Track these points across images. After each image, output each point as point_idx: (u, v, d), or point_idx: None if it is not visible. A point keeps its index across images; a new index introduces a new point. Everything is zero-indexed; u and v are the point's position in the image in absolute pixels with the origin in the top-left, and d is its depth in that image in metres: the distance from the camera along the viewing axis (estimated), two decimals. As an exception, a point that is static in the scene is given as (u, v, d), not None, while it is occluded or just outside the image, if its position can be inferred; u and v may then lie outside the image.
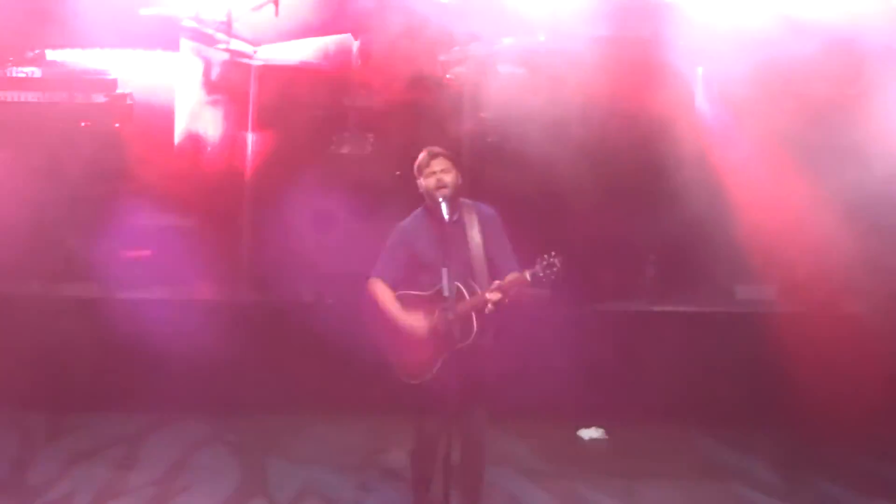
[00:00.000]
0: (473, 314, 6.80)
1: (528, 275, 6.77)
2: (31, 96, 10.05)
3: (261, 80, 10.18)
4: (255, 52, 10.28)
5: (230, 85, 10.26)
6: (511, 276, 6.87)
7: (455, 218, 6.97)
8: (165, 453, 8.63)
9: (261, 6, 10.05)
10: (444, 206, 6.88)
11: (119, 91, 10.17)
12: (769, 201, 9.46)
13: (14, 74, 10.06)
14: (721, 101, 9.94)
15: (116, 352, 9.29)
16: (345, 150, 10.13)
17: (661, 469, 8.59)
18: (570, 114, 9.69)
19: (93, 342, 9.33)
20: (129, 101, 10.16)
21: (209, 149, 10.21)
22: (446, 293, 6.75)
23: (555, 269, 6.71)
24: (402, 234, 7.11)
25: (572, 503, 7.95)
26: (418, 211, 7.14)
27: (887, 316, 9.35)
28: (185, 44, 10.22)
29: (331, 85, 10.23)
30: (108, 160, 9.91)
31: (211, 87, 10.27)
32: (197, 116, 10.22)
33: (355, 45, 10.27)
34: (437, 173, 6.94)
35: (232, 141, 10.22)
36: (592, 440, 9.22)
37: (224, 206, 10.04)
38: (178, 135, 10.18)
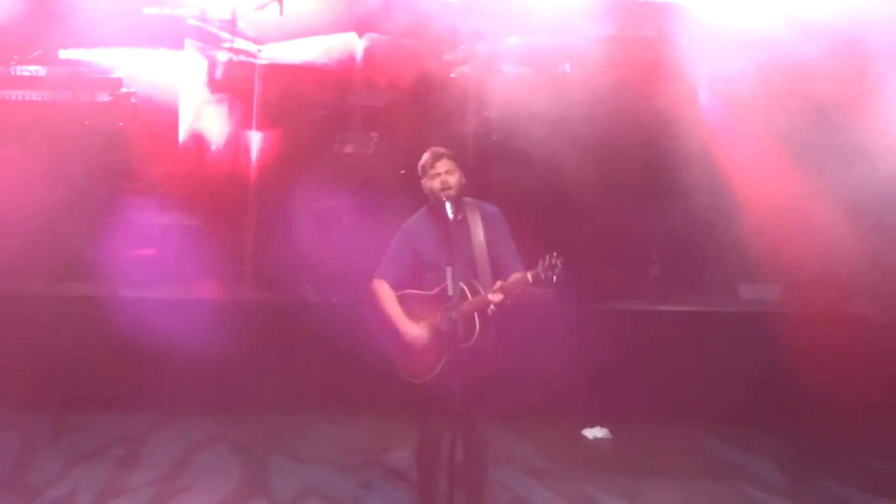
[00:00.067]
0: (476, 314, 6.79)
1: (529, 276, 6.74)
2: (35, 95, 10.07)
3: (265, 79, 10.20)
4: (259, 51, 10.29)
5: (234, 84, 10.28)
6: (513, 277, 6.86)
7: (459, 217, 6.95)
8: (168, 452, 8.61)
9: (264, 5, 10.06)
10: (448, 207, 6.87)
11: (123, 90, 10.18)
12: (773, 201, 9.45)
13: (18, 73, 10.07)
14: (726, 100, 9.93)
15: (120, 351, 9.30)
16: (349, 149, 10.14)
17: (666, 468, 8.58)
18: (575, 113, 9.68)
19: (97, 341, 9.33)
20: (133, 100, 10.18)
21: (213, 148, 10.22)
22: (450, 293, 6.74)
23: (557, 271, 6.68)
24: (405, 234, 7.10)
25: (577, 502, 7.93)
26: (422, 210, 7.13)
27: (892, 315, 9.33)
28: (189, 43, 10.23)
29: (335, 84, 10.23)
30: (112, 159, 9.95)
31: (215, 86, 10.29)
32: (201, 115, 10.23)
33: (359, 44, 10.26)
34: (441, 175, 6.92)
35: (236, 140, 10.23)
36: (597, 439, 9.21)
37: (228, 204, 10.06)
38: (183, 134, 10.19)
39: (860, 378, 9.22)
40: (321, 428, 9.17)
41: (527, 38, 10.15)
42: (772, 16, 9.60)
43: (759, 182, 9.53)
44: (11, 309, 9.42)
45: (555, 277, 6.68)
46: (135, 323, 9.24)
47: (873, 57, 9.64)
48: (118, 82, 10.18)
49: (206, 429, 9.06)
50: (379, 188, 9.72)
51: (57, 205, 9.67)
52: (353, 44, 10.28)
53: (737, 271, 10.00)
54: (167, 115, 10.17)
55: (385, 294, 7.00)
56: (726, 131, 9.88)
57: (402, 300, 7.01)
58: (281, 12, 10.02)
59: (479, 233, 6.91)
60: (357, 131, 10.14)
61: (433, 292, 6.90)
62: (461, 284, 6.77)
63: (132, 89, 10.23)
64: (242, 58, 10.29)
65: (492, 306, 6.73)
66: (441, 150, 7.00)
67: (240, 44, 10.27)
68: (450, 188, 6.87)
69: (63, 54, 10.23)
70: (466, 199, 7.02)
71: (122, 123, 10.07)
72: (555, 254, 6.66)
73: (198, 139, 10.21)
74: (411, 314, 6.96)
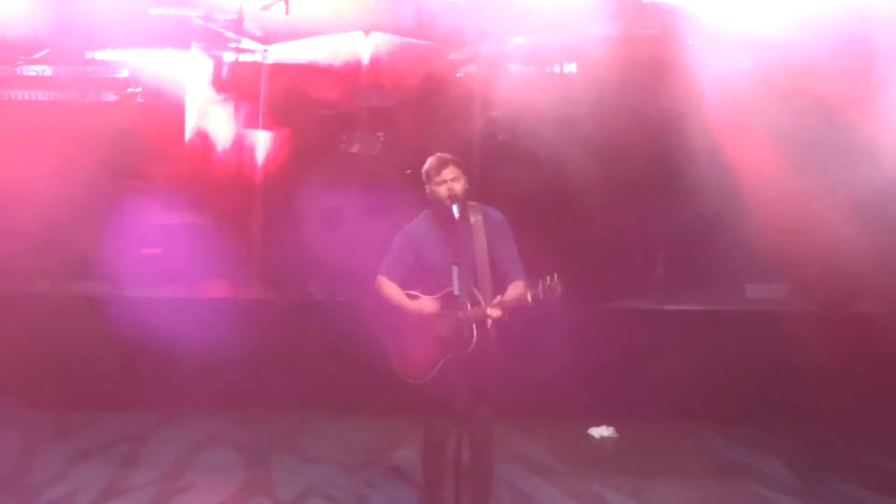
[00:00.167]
0: (474, 325, 6.81)
1: (529, 296, 6.77)
2: (41, 95, 10.08)
3: (271, 79, 10.21)
4: (265, 51, 10.29)
5: (240, 84, 10.28)
6: (512, 293, 6.89)
7: (463, 220, 6.97)
8: (171, 451, 8.62)
9: (270, 5, 10.07)
10: (455, 207, 6.89)
11: (130, 90, 10.19)
12: (779, 200, 9.43)
13: (25, 73, 10.08)
14: (731, 99, 9.92)
15: (126, 350, 9.32)
16: (355, 148, 10.15)
17: (672, 467, 8.57)
18: (580, 112, 9.69)
19: (102, 340, 9.35)
20: (139, 100, 10.19)
21: (220, 147, 10.23)
22: (456, 292, 6.76)
23: (556, 293, 6.72)
24: (407, 236, 7.11)
25: (584, 500, 7.93)
26: (424, 213, 7.13)
27: (899, 314, 9.35)
28: (196, 43, 10.23)
29: (341, 84, 10.24)
30: (119, 159, 9.94)
31: (221, 86, 10.29)
32: (207, 115, 10.24)
33: (366, 43, 10.27)
34: (447, 182, 6.91)
35: (242, 140, 10.24)
36: (603, 438, 9.21)
37: (234, 204, 10.06)
38: (189, 133, 10.20)
39: (867, 377, 9.23)
40: (326, 427, 9.17)
41: (533, 37, 10.15)
42: (777, 15, 9.59)
43: (765, 181, 9.51)
44: (18, 308, 9.43)
45: (554, 299, 6.72)
46: (141, 322, 9.27)
47: (878, 55, 9.63)
48: (125, 82, 10.19)
49: (209, 428, 9.07)
50: (385, 188, 9.72)
51: (63, 205, 9.66)
52: (359, 44, 10.27)
53: (743, 270, 10.00)
54: (174, 115, 10.18)
55: (390, 286, 7.02)
56: (731, 130, 9.87)
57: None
58: (287, 12, 10.03)
59: (481, 238, 6.92)
60: (363, 131, 10.14)
61: (435, 296, 6.93)
62: (457, 292, 6.82)
63: (138, 89, 10.24)
64: (248, 58, 10.30)
65: (490, 320, 6.76)
66: (446, 156, 6.99)
67: (246, 44, 10.28)
68: (456, 195, 6.88)
69: (70, 54, 10.23)
70: (470, 202, 7.02)
71: (128, 123, 10.08)
72: (555, 276, 6.69)
73: (204, 139, 10.22)
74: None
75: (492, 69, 10.08)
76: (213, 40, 10.26)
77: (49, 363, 9.26)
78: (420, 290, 6.99)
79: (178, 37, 10.18)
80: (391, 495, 7.98)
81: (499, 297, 6.81)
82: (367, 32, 10.24)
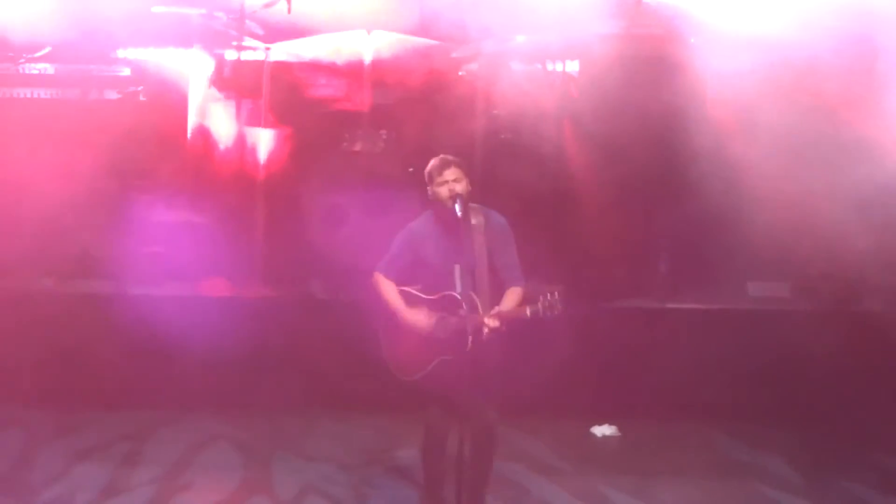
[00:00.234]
0: (470, 330, 6.83)
1: (528, 311, 6.79)
2: (44, 93, 10.07)
3: (273, 77, 10.19)
4: (267, 49, 10.28)
5: (243, 82, 10.26)
6: (511, 301, 6.91)
7: (464, 223, 6.98)
8: (172, 450, 8.62)
9: (273, 3, 10.06)
10: (458, 206, 6.90)
11: (132, 88, 10.18)
12: (782, 198, 9.42)
13: (27, 71, 10.08)
14: (734, 98, 9.91)
15: (128, 348, 9.31)
16: (357, 146, 10.14)
17: (675, 465, 8.57)
18: (583, 111, 9.69)
19: (105, 338, 9.34)
20: (141, 99, 10.18)
21: (222, 146, 10.21)
22: (459, 290, 6.82)
23: (556, 310, 6.73)
24: (408, 235, 7.13)
25: (587, 499, 7.93)
26: (427, 214, 7.15)
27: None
28: (198, 41, 10.22)
29: (343, 82, 10.23)
30: (121, 157, 9.93)
31: (223, 84, 10.27)
32: (210, 114, 10.22)
33: (368, 41, 10.26)
34: (449, 183, 6.95)
35: (245, 138, 10.22)
36: (606, 437, 9.21)
37: (236, 202, 10.05)
38: (191, 132, 10.19)
39: (869, 375, 9.24)
40: (327, 426, 9.17)
41: (535, 35, 10.14)
42: (779, 14, 9.58)
43: (768, 179, 9.50)
44: (21, 306, 9.42)
45: (553, 316, 6.73)
46: (143, 320, 9.27)
47: (881, 54, 9.62)
48: (127, 81, 10.18)
49: (211, 426, 9.06)
50: (387, 186, 9.72)
51: (66, 203, 9.66)
52: (362, 42, 10.26)
53: (745, 269, 9.99)
54: (176, 114, 10.16)
55: (386, 286, 7.05)
56: (734, 129, 9.86)
57: (403, 298, 7.05)
58: (289, 10, 10.02)
59: (482, 240, 6.94)
60: (366, 129, 10.13)
61: (434, 297, 6.94)
62: (457, 295, 6.83)
63: (141, 88, 10.23)
64: (251, 56, 10.28)
65: (486, 329, 6.77)
66: (449, 157, 7.03)
67: (248, 42, 10.26)
68: (457, 195, 6.91)
69: (72, 52, 10.22)
70: (473, 205, 7.03)
71: (130, 121, 10.03)
72: (556, 293, 6.70)
73: (206, 137, 10.20)
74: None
75: (494, 67, 10.07)
76: (215, 38, 10.24)
77: (51, 361, 9.24)
78: (419, 288, 7.02)
79: (180, 35, 10.17)
80: (392, 494, 7.98)
81: (497, 309, 6.82)
82: (369, 30, 10.23)
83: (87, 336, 9.32)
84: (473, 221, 6.95)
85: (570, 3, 9.69)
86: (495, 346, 6.91)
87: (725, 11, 9.74)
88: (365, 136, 10.15)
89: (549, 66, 10.12)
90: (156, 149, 10.01)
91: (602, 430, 9.25)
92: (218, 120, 10.26)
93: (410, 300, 7.04)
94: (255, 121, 10.21)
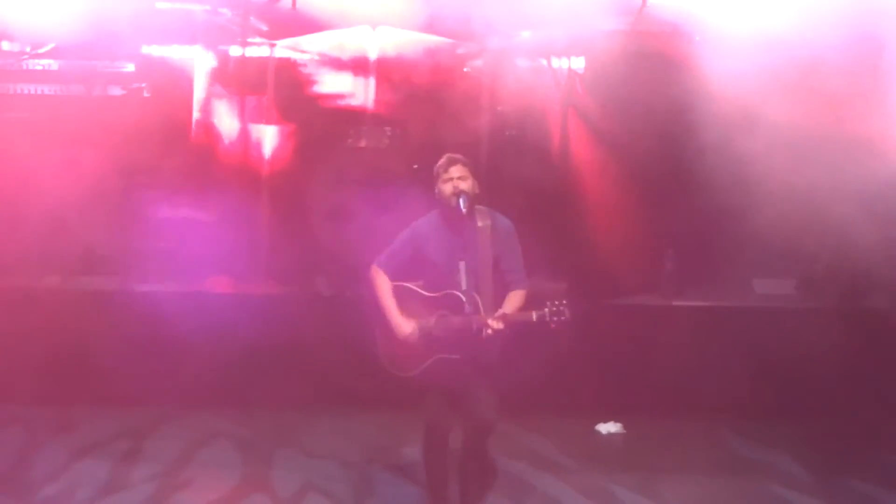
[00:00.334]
0: (470, 331, 6.83)
1: (534, 316, 6.80)
2: (48, 89, 10.07)
3: (278, 73, 10.18)
4: (272, 45, 10.27)
5: (247, 78, 10.26)
6: (515, 304, 6.92)
7: (470, 222, 6.98)
8: (173, 447, 8.62)
9: (278, -1, 10.07)
10: (462, 201, 6.90)
11: (136, 84, 10.18)
12: (787, 195, 9.40)
13: (31, 67, 10.07)
14: (739, 94, 9.89)
15: (132, 345, 9.31)
16: (362, 143, 10.14)
17: (680, 463, 8.57)
18: (588, 107, 9.67)
19: (109, 335, 9.33)
20: (146, 95, 10.17)
21: (226, 142, 10.21)
22: (463, 286, 6.83)
23: (562, 318, 6.73)
24: (412, 232, 7.16)
25: (592, 495, 7.93)
26: (433, 213, 7.17)
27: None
28: (202, 37, 10.21)
29: (348, 78, 10.22)
30: (125, 153, 9.93)
31: (228, 80, 10.27)
32: (214, 110, 10.22)
33: (373, 37, 10.25)
34: (454, 179, 7.00)
35: (249, 134, 10.22)
36: (610, 434, 9.20)
37: (241, 199, 10.04)
38: (196, 128, 10.18)
39: (875, 372, 9.23)
40: (330, 422, 9.17)
41: (541, 32, 10.12)
42: (785, 10, 9.56)
43: (773, 176, 9.48)
44: (25, 302, 9.42)
45: (559, 323, 6.73)
46: (148, 317, 9.29)
47: (886, 50, 9.61)
48: (131, 77, 10.18)
49: (212, 423, 9.07)
50: (392, 182, 9.72)
51: (70, 199, 9.67)
52: (367, 38, 10.25)
53: (751, 266, 10.00)
54: (180, 110, 10.16)
55: (382, 284, 7.07)
56: (739, 126, 9.84)
57: (402, 294, 7.05)
58: (294, 6, 10.02)
59: (486, 242, 6.94)
60: (370, 125, 10.13)
61: (436, 295, 6.94)
62: (459, 294, 6.82)
63: (145, 84, 10.22)
64: (255, 52, 10.27)
65: (489, 330, 6.76)
66: (456, 156, 7.09)
67: (253, 38, 10.25)
68: (461, 191, 6.92)
69: (76, 48, 10.21)
70: (480, 207, 7.04)
71: (134, 118, 10.03)
72: (564, 301, 6.71)
73: (211, 134, 10.20)
74: (410, 312, 6.99)
75: (500, 64, 10.07)
76: (219, 35, 10.24)
77: (55, 358, 9.23)
78: (421, 285, 7.03)
79: (185, 31, 10.16)
80: (393, 492, 7.97)
81: (501, 310, 6.82)
82: (374, 27, 10.22)
83: (91, 333, 9.31)
84: (480, 223, 6.96)
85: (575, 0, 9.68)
86: (495, 346, 6.91)
87: (731, 8, 9.72)
88: (370, 132, 10.15)
89: (555, 63, 10.10)
90: (160, 145, 10.00)
91: (607, 428, 9.25)
92: (222, 116, 10.25)
93: (411, 296, 7.04)
94: (260, 117, 10.21)
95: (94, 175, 9.72)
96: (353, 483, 8.09)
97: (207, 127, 10.22)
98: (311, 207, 9.78)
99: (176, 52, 10.34)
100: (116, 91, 10.19)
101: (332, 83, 10.18)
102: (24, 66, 10.14)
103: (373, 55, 10.22)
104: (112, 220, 9.89)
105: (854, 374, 9.14)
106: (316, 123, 10.10)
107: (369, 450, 8.70)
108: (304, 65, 10.23)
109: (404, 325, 6.98)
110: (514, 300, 6.94)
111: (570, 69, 10.10)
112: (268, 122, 10.17)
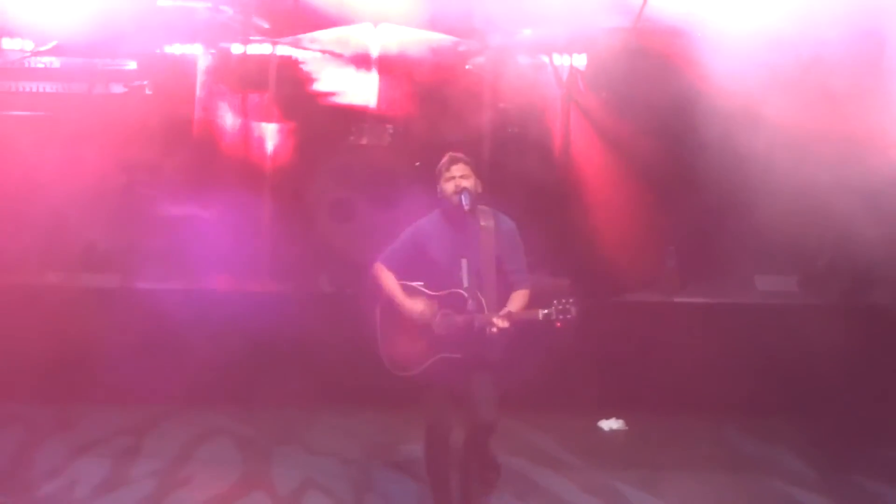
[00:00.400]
0: (474, 329, 6.82)
1: (541, 314, 6.80)
2: (49, 87, 10.07)
3: (279, 70, 10.18)
4: (274, 42, 10.28)
5: (249, 76, 10.26)
6: (519, 303, 6.91)
7: (473, 221, 6.98)
8: (173, 444, 8.62)
9: (280, -4, 10.08)
10: (464, 198, 6.91)
11: (138, 82, 10.18)
12: (789, 192, 9.40)
13: (33, 65, 10.07)
14: (741, 91, 9.89)
15: (134, 342, 9.31)
16: (364, 140, 10.13)
17: (682, 459, 8.57)
18: (590, 104, 9.67)
19: (110, 332, 9.33)
20: (147, 92, 10.18)
21: (228, 140, 10.21)
22: (465, 284, 6.84)
23: (569, 317, 6.73)
24: (414, 230, 7.18)
25: (595, 492, 7.93)
26: (435, 213, 7.17)
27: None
28: (204, 35, 10.22)
29: (350, 75, 10.22)
30: (127, 151, 9.93)
31: (229, 78, 10.27)
32: (216, 107, 10.22)
33: (375, 34, 10.25)
34: (455, 178, 7.02)
35: (251, 132, 10.22)
36: (613, 431, 9.20)
37: (242, 196, 10.04)
38: (197, 126, 10.18)
39: (877, 369, 9.22)
40: (331, 420, 9.16)
41: (542, 29, 10.12)
42: (786, 7, 9.56)
43: (775, 173, 9.49)
44: (26, 300, 9.42)
45: (566, 322, 6.73)
46: (149, 314, 9.28)
47: (888, 47, 9.61)
48: (133, 74, 10.18)
49: (212, 420, 9.06)
50: (394, 180, 9.72)
51: (72, 197, 9.68)
52: (369, 35, 10.25)
53: (753, 262, 9.99)
54: (182, 108, 10.16)
55: (387, 276, 7.07)
56: (741, 123, 9.84)
57: (405, 292, 7.05)
58: (296, 3, 10.02)
59: (489, 242, 6.94)
60: (372, 123, 10.13)
61: (439, 294, 6.94)
62: (462, 293, 6.82)
63: (147, 81, 10.23)
64: (257, 49, 10.27)
65: (494, 329, 6.76)
66: (458, 155, 7.12)
67: (254, 36, 10.25)
68: (463, 188, 6.93)
69: (78, 46, 10.21)
70: (483, 207, 7.04)
71: (136, 115, 10.05)
72: (571, 300, 6.71)
73: (213, 131, 10.20)
74: None
75: (501, 61, 10.07)
76: (221, 32, 10.24)
77: (56, 355, 9.23)
78: (423, 285, 7.03)
79: (186, 29, 10.17)
80: (393, 489, 7.97)
81: (506, 309, 6.82)
82: (376, 24, 10.22)
83: (92, 330, 9.31)
84: (483, 223, 6.97)
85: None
86: (498, 344, 6.90)
87: (732, 5, 9.73)
88: (371, 129, 10.14)
89: (556, 60, 10.11)
90: (162, 143, 10.02)
91: (609, 424, 9.24)
92: (224, 114, 10.25)
93: (414, 295, 7.04)
94: (262, 115, 10.21)
95: (95, 173, 9.73)
96: (353, 480, 8.09)
97: (209, 124, 10.22)
98: (312, 205, 9.78)
99: (178, 50, 10.35)
100: (118, 89, 10.21)
101: (333, 81, 10.18)
102: (26, 64, 10.15)
103: (374, 53, 10.22)
104: (114, 218, 9.89)
105: (857, 371, 9.13)
106: (317, 121, 10.09)
107: (369, 447, 8.71)
108: (306, 62, 10.23)
109: (414, 305, 6.96)
110: (517, 300, 6.94)
111: (571, 66, 10.10)
112: (269, 120, 10.17)
